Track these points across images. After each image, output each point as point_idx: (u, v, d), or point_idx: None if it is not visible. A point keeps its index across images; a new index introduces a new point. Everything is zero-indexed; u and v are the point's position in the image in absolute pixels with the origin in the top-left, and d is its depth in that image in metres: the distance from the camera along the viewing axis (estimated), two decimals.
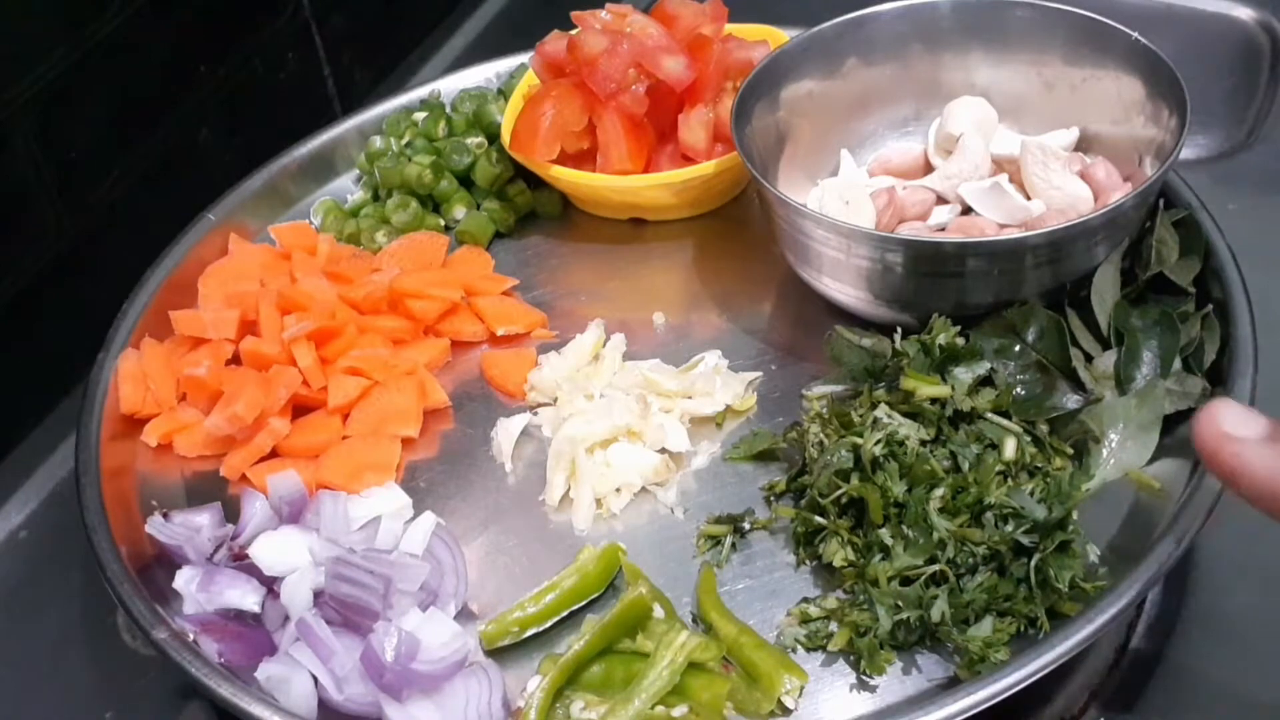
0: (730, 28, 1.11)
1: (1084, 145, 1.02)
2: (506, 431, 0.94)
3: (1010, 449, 0.80)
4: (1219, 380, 0.86)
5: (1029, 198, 0.98)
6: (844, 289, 0.93)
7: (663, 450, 0.90)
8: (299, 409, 0.96)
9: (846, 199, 0.97)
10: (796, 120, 1.04)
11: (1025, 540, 0.76)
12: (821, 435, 0.84)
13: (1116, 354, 0.86)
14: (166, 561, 0.86)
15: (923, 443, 0.80)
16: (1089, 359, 0.87)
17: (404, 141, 1.16)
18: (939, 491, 0.78)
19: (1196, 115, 0.90)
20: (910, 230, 0.98)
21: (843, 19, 1.03)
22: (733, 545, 0.85)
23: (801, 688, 0.76)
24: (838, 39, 1.03)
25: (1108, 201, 0.94)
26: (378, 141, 1.16)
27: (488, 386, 0.99)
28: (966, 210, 1.00)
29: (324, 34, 1.29)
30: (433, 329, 1.02)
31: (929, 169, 1.04)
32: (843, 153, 1.06)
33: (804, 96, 1.04)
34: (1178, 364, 0.86)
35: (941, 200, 1.01)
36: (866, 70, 1.05)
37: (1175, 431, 0.84)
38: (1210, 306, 0.89)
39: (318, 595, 0.82)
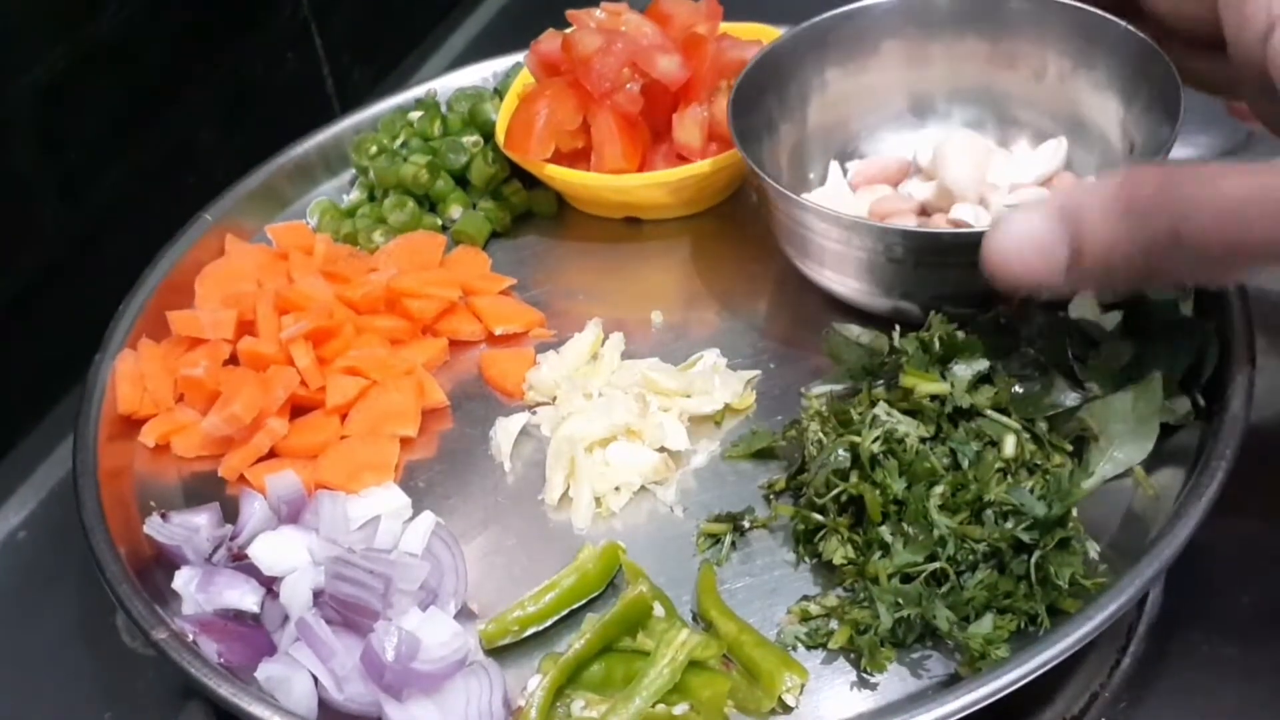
0: (725, 26, 1.10)
1: (1074, 136, 1.01)
2: (505, 431, 0.94)
3: (1010, 446, 0.80)
4: (1216, 378, 0.85)
5: None
6: (845, 281, 0.92)
7: (662, 449, 0.90)
8: (297, 409, 0.96)
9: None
10: (791, 115, 1.03)
11: (1025, 537, 0.76)
12: (820, 433, 0.83)
13: (1113, 351, 0.86)
14: (165, 562, 0.86)
15: (922, 440, 0.80)
16: (1087, 356, 0.87)
17: (399, 141, 1.16)
18: (939, 489, 0.78)
19: (1196, 113, 0.90)
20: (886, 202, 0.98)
21: (835, 12, 1.02)
22: (732, 543, 0.85)
23: (802, 685, 0.76)
24: (831, 31, 1.02)
25: None
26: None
27: (486, 386, 0.99)
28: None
29: (323, 34, 1.29)
30: (430, 328, 1.02)
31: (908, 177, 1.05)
32: (831, 165, 1.05)
33: (798, 92, 1.03)
34: (1175, 361, 0.86)
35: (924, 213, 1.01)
36: (860, 63, 1.04)
37: (1175, 436, 0.84)
38: (1207, 304, 0.89)
39: (317, 595, 0.82)
